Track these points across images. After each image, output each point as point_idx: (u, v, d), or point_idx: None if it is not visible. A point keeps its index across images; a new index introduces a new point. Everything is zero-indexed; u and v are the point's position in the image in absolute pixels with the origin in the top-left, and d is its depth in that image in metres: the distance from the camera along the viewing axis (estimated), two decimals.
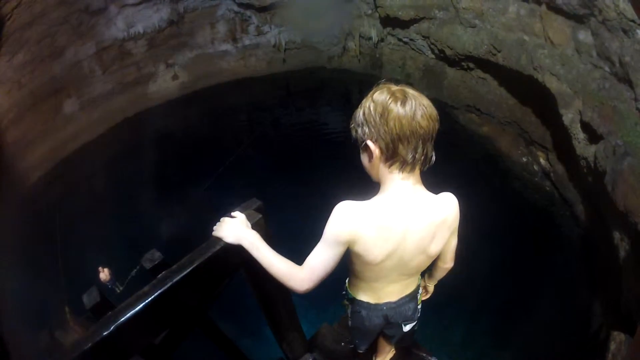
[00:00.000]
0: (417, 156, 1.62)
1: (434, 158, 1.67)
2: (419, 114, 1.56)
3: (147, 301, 1.68)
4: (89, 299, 1.73)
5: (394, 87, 1.61)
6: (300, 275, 1.77)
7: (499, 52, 5.47)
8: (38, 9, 4.10)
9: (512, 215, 5.77)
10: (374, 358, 3.21)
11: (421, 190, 1.76)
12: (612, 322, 3.52)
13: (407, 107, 1.55)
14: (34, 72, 4.37)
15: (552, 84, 4.72)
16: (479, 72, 6.19)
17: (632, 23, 3.55)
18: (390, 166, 1.66)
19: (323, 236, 1.75)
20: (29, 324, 3.53)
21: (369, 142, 1.62)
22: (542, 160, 5.53)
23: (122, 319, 1.62)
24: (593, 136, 4.16)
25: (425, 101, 1.60)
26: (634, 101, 3.59)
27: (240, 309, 4.38)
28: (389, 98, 1.56)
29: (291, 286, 1.78)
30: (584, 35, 4.24)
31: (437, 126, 1.61)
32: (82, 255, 4.82)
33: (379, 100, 1.58)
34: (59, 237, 4.75)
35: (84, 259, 4.78)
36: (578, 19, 4.32)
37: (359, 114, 1.66)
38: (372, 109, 1.59)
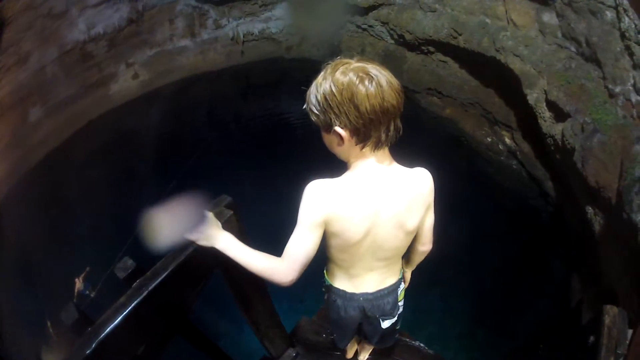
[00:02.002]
0: (390, 134, 1.60)
1: (401, 129, 1.65)
2: (387, 92, 1.52)
3: (125, 313, 1.64)
4: (67, 316, 1.69)
5: (353, 64, 1.54)
6: (282, 267, 1.71)
7: (460, 35, 5.53)
8: (5, 16, 3.97)
9: (480, 196, 5.87)
10: (357, 351, 3.21)
11: (393, 164, 1.74)
12: (593, 296, 3.63)
13: (375, 87, 1.50)
14: (0, 82, 4.23)
15: (516, 64, 4.80)
16: (440, 56, 6.25)
17: (600, 5, 3.63)
18: (362, 148, 1.62)
19: (298, 221, 1.70)
20: (10, 342, 3.44)
21: (338, 129, 1.57)
22: (507, 140, 5.64)
23: (102, 334, 1.57)
24: (560, 115, 4.25)
25: (387, 73, 1.55)
26: (602, 80, 3.69)
27: (219, 310, 4.35)
28: (356, 79, 1.50)
29: (275, 280, 1.72)
30: (549, 17, 4.32)
31: (403, 97, 1.58)
32: (59, 265, 4.71)
33: (344, 82, 1.51)
34: (34, 247, 4.64)
35: (62, 269, 4.67)
36: (542, 1, 4.39)
37: (318, 97, 1.58)
38: (336, 92, 1.52)
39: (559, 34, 4.26)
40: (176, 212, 1.82)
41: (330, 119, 1.57)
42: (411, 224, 1.83)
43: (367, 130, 1.56)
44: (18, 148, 4.74)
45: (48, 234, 4.95)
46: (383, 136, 1.60)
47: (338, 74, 1.53)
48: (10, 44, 4.21)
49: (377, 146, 1.62)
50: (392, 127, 1.60)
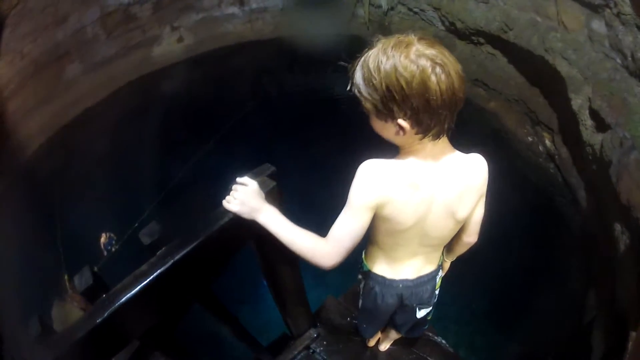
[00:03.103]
0: (451, 124, 1.52)
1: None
2: (457, 83, 1.40)
3: (145, 282, 1.56)
4: (81, 281, 1.58)
5: (417, 46, 1.39)
6: (326, 249, 1.63)
7: (510, 30, 5.38)
8: (6, 13, 3.98)
9: (514, 194, 5.75)
10: (379, 340, 3.20)
11: (451, 149, 1.67)
12: (606, 315, 3.55)
13: (446, 77, 1.37)
14: (36, 41, 4.26)
15: (563, 67, 4.65)
16: (489, 48, 6.09)
17: None
18: (422, 138, 1.53)
19: (348, 202, 1.63)
20: (26, 297, 3.54)
21: (402, 122, 1.46)
22: (547, 142, 5.49)
23: (117, 303, 1.50)
24: (601, 125, 4.12)
25: (452, 58, 1.42)
26: None
27: (241, 281, 4.38)
28: (428, 68, 1.36)
29: (316, 262, 1.65)
30: (598, 25, 4.16)
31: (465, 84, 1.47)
32: (83, 222, 4.81)
33: (414, 72, 1.36)
34: (58, 204, 4.74)
35: (85, 226, 4.77)
36: (593, 8, 4.22)
37: (377, 84, 1.43)
38: (404, 84, 1.37)
39: (607, 44, 4.09)
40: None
41: (393, 110, 1.47)
42: (462, 213, 1.76)
43: (431, 122, 1.47)
44: (53, 104, 4.83)
45: (77, 190, 5.06)
46: (446, 127, 1.52)
47: (404, 59, 1.38)
48: (47, 5, 4.24)
49: (438, 136, 1.55)
50: (454, 117, 1.51)
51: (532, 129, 5.78)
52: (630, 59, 3.71)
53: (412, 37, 1.42)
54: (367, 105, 1.53)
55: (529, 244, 5.18)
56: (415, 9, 6.98)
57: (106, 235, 4.69)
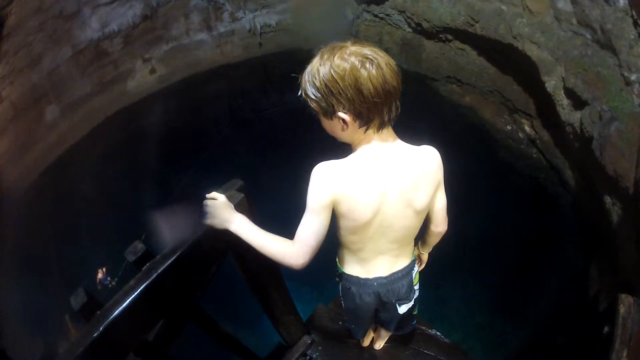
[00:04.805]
0: (392, 115, 1.65)
1: (399, 109, 1.69)
2: (387, 73, 1.56)
3: (133, 295, 1.67)
4: (76, 300, 1.69)
5: (350, 48, 1.57)
6: (293, 250, 1.74)
7: (476, 22, 5.45)
8: (13, 21, 3.99)
9: (500, 184, 5.82)
10: (373, 339, 3.22)
11: (398, 141, 1.79)
12: (610, 286, 3.58)
13: (376, 69, 1.54)
14: (13, 84, 4.24)
15: (533, 51, 4.72)
16: (458, 44, 6.16)
17: None
18: (366, 130, 1.68)
19: (307, 204, 1.74)
20: (28, 336, 3.51)
21: (342, 114, 1.62)
22: (526, 128, 5.55)
23: (111, 317, 1.60)
24: (578, 102, 4.17)
25: (384, 54, 1.59)
26: (618, 67, 3.60)
27: (233, 297, 4.36)
28: (357, 63, 1.53)
29: (286, 263, 1.76)
30: (563, 3, 4.23)
31: (401, 77, 1.63)
32: (78, 260, 4.78)
33: (345, 68, 1.54)
34: (53, 244, 4.71)
35: (80, 263, 4.74)
36: None
37: (317, 84, 1.61)
38: (338, 78, 1.55)
39: (574, 21, 4.17)
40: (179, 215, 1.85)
41: (333, 105, 1.63)
42: (419, 202, 1.85)
43: (370, 113, 1.62)
44: (35, 146, 4.79)
45: (67, 229, 5.02)
46: (386, 117, 1.66)
47: (337, 59, 1.56)
48: (21, 47, 4.24)
49: (380, 127, 1.68)
50: (393, 108, 1.65)
51: (510, 117, 5.84)
52: (599, 32, 3.77)
53: (346, 42, 1.61)
54: (313, 105, 1.70)
55: (524, 230, 5.23)
56: (380, 15, 7.05)
57: (102, 272, 4.67)
